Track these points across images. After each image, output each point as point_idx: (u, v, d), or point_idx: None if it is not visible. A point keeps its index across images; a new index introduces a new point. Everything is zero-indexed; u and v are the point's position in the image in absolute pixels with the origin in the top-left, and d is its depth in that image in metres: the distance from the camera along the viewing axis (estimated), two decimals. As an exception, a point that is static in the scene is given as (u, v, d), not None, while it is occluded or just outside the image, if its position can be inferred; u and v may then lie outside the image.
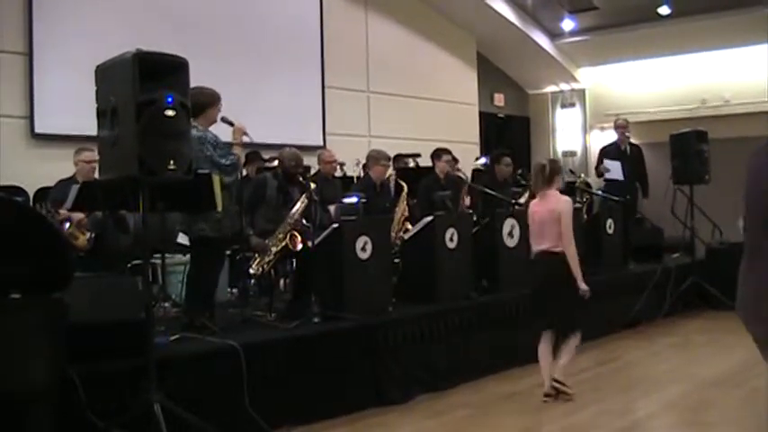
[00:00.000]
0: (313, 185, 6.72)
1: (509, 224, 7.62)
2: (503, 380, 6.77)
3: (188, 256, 6.44)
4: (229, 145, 5.99)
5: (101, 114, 4.56)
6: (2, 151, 8.27)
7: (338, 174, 9.11)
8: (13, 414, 3.85)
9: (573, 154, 15.76)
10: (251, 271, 6.52)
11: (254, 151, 8.15)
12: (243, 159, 6.12)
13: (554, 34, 14.74)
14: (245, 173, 6.31)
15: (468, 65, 14.29)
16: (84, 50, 8.23)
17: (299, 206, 6.59)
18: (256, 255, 6.53)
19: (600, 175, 10.62)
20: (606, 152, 10.83)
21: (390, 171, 8.79)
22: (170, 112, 4.39)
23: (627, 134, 10.74)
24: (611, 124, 11.51)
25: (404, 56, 12.96)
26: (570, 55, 15.21)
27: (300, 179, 6.78)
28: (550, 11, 14.10)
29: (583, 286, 5.93)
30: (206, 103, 5.79)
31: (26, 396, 3.90)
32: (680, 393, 6.19)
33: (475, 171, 10.75)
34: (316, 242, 6.29)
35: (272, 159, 7.58)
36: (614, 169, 10.27)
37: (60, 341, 4.10)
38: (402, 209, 7.89)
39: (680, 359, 7.47)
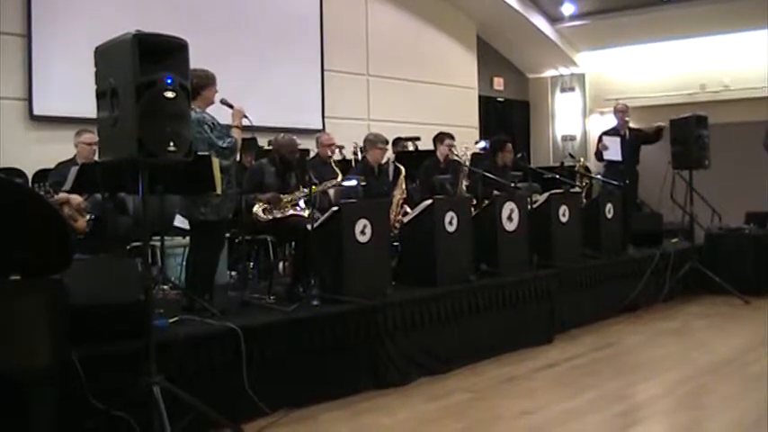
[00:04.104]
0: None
1: (508, 208, 7.61)
2: (502, 363, 6.78)
3: (187, 238, 6.44)
4: (228, 127, 5.99)
5: (100, 96, 4.53)
6: (0, 133, 8.26)
7: (337, 157, 9.09)
8: (16, 396, 3.85)
9: (572, 138, 15.76)
10: (254, 210, 6.54)
11: (252, 138, 8.05)
12: (240, 142, 6.09)
13: (554, 18, 14.70)
14: (237, 158, 6.30)
15: (467, 49, 14.26)
16: (83, 32, 8.22)
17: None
18: (266, 204, 6.59)
19: (599, 158, 10.58)
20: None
21: (389, 154, 8.78)
22: (170, 94, 4.36)
23: (626, 118, 10.71)
24: (611, 109, 11.50)
25: (403, 39, 12.94)
26: (570, 39, 15.18)
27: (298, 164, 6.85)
28: (550, -5, 14.10)
29: None
30: (200, 84, 5.75)
31: (28, 378, 3.90)
32: (678, 378, 6.20)
33: (474, 155, 10.74)
34: (315, 225, 6.28)
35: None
36: (613, 147, 10.22)
37: (61, 323, 4.10)
38: (400, 192, 7.88)
39: (678, 344, 7.48)
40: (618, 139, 10.29)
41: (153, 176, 4.76)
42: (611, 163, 10.35)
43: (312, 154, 8.99)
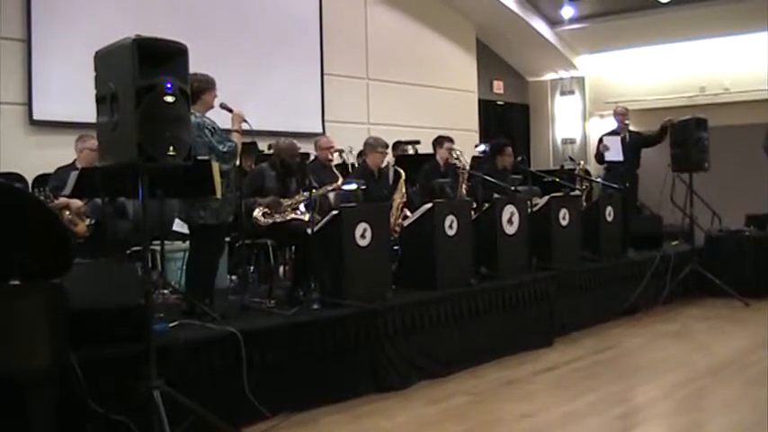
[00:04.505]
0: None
1: (508, 211, 7.61)
2: (502, 366, 6.78)
3: (187, 242, 6.44)
4: (228, 132, 5.99)
5: (100, 100, 4.53)
6: (0, 138, 8.26)
7: (338, 161, 9.08)
8: (16, 397, 3.85)
9: (572, 141, 15.77)
10: (254, 214, 6.54)
11: (252, 142, 8.03)
12: (240, 146, 6.09)
13: (553, 21, 14.71)
14: (237, 162, 6.27)
15: (467, 52, 14.26)
16: (82, 37, 8.22)
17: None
18: (266, 208, 6.60)
19: (600, 160, 10.57)
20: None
21: (389, 158, 8.77)
22: (169, 98, 4.36)
23: (626, 121, 10.70)
24: (611, 112, 11.50)
25: (403, 43, 12.94)
26: (569, 42, 15.18)
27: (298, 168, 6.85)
28: (550, -2, 14.12)
29: None
30: (200, 88, 5.76)
31: (27, 379, 3.91)
32: (678, 381, 6.19)
33: (474, 158, 10.74)
34: (315, 229, 6.28)
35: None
36: (614, 148, 10.20)
37: (62, 327, 4.10)
38: (400, 195, 7.88)
39: (678, 347, 7.47)
40: (618, 139, 10.28)
41: (153, 181, 4.77)
42: (611, 166, 10.34)
43: (312, 157, 8.97)
